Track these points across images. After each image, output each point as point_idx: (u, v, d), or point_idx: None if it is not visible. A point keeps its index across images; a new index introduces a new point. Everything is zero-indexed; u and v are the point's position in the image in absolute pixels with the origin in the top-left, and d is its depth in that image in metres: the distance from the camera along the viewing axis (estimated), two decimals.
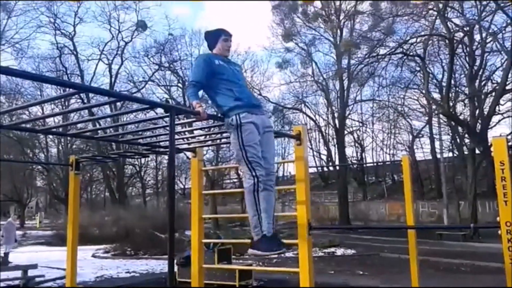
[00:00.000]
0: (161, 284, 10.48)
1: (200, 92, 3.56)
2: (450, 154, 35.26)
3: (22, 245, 23.25)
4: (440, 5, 20.63)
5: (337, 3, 32.44)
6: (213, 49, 3.78)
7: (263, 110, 3.85)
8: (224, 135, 4.43)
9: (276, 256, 15.92)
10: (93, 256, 17.94)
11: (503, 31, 21.34)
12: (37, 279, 10.66)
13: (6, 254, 14.64)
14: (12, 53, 32.43)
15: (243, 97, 3.52)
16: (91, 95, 27.88)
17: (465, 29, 21.33)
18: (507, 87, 20.82)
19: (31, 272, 10.51)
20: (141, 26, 34.33)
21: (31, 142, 36.75)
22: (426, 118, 34.41)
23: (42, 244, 24.11)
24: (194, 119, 3.53)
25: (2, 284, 10.22)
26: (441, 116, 26.59)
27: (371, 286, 9.98)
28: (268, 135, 3.63)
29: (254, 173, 3.34)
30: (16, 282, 10.37)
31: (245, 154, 3.35)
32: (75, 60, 34.47)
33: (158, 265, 14.30)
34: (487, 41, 22.87)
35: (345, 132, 36.76)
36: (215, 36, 3.79)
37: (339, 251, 17.53)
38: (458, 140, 29.55)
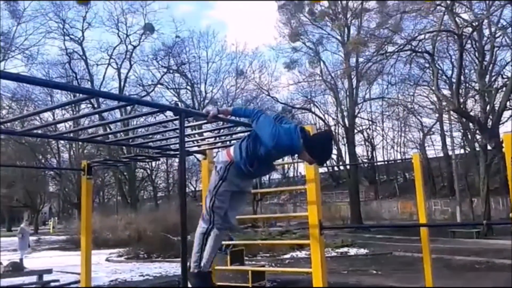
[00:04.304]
0: (175, 287, 10.52)
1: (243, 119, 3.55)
2: (462, 151, 35.00)
3: (36, 250, 23.47)
4: (448, 1, 20.48)
5: (344, 2, 32.36)
6: (301, 144, 3.19)
7: (252, 180, 3.85)
8: (234, 136, 4.45)
9: (288, 256, 15.97)
10: (107, 260, 18.05)
11: None
12: (52, 284, 10.75)
13: (21, 259, 14.81)
14: (23, 60, 32.79)
15: (250, 168, 3.33)
16: (101, 99, 28.15)
17: (473, 24, 21.13)
18: None
19: (46, 277, 10.59)
20: (149, 29, 34.54)
21: (43, 148, 37.09)
22: (437, 115, 34.19)
23: (56, 249, 24.32)
24: (203, 121, 3.55)
25: None
26: (451, 112, 26.38)
27: (384, 285, 9.92)
28: (243, 195, 3.72)
29: (212, 219, 3.45)
30: (32, 287, 10.47)
31: (212, 202, 3.45)
32: (85, 65, 34.82)
33: (171, 268, 14.35)
34: (497, 35, 22.67)
35: (355, 131, 36.62)
36: (315, 150, 3.22)
37: (352, 251, 17.45)
38: (469, 136, 29.32)
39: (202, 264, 3.50)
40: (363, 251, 17.35)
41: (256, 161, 3.30)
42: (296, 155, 3.40)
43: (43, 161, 37.25)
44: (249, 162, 3.30)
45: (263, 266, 12.79)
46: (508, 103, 21.90)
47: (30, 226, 30.15)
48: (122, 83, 35.38)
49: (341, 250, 17.65)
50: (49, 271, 10.79)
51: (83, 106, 32.98)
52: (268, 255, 16.49)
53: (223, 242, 9.48)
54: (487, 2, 21.15)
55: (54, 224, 45.87)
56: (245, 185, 3.57)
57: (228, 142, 4.53)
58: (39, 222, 48.54)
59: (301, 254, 16.38)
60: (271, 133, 3.13)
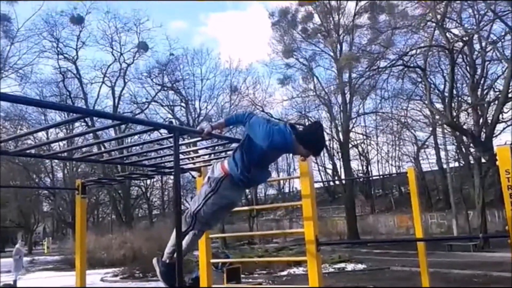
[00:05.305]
0: None
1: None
2: (456, 164, 35.08)
3: (30, 271, 23.16)
4: (439, 16, 20.76)
5: (336, 18, 32.75)
6: (294, 140, 3.19)
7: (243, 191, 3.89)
8: (229, 153, 4.45)
9: (285, 273, 15.84)
10: (102, 280, 17.83)
11: (502, 40, 21.44)
12: None
13: (14, 281, 14.60)
14: (16, 79, 32.80)
15: (247, 174, 3.30)
16: (95, 118, 28.10)
17: (464, 39, 21.41)
18: (510, 95, 20.81)
19: None
20: (142, 47, 34.74)
21: (36, 167, 36.84)
22: (430, 128, 34.31)
23: (50, 270, 24.01)
24: (198, 139, 3.56)
25: None
26: (445, 126, 26.53)
27: None
28: (231, 206, 3.72)
29: (192, 223, 3.42)
30: None
31: (197, 209, 3.41)
32: (79, 84, 34.85)
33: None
34: (487, 50, 22.95)
35: (350, 145, 36.69)
36: (308, 141, 3.22)
37: (349, 266, 17.35)
38: (463, 149, 29.44)
39: (174, 256, 3.46)
40: (360, 266, 17.25)
41: (252, 166, 3.29)
42: (291, 152, 3.43)
43: (36, 180, 36.98)
44: (246, 169, 3.28)
45: (260, 283, 12.68)
46: (500, 116, 22.08)
47: (25, 246, 29.83)
48: (116, 101, 35.42)
49: (338, 265, 17.53)
50: None
51: (77, 124, 32.93)
52: (265, 272, 16.36)
53: (219, 260, 9.41)
54: (477, 17, 21.48)
55: (48, 244, 45.34)
56: (235, 196, 3.56)
57: (223, 159, 4.52)
58: (32, 242, 47.99)
59: (298, 270, 16.25)
60: (265, 132, 3.14)
